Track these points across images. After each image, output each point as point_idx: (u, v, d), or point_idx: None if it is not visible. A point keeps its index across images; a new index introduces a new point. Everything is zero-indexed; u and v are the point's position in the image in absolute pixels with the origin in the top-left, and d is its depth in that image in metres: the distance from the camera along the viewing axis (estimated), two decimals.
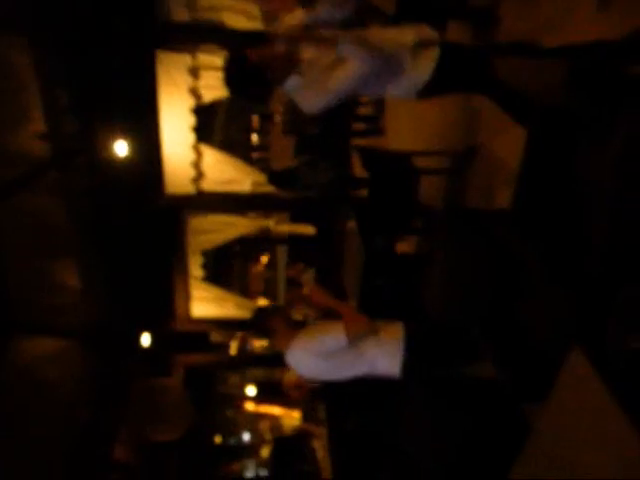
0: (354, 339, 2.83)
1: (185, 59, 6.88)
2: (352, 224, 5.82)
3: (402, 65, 2.73)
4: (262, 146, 16.49)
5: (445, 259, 2.87)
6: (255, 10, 6.78)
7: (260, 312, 3.28)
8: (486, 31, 3.80)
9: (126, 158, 7.06)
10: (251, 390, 11.32)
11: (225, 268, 11.14)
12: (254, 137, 17.23)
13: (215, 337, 9.68)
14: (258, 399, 11.75)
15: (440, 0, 4.10)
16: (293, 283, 9.91)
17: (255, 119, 16.84)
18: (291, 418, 11.27)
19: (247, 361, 10.26)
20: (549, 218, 2.33)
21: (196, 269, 8.76)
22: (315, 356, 2.88)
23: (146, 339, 8.57)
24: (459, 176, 4.32)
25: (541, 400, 2.12)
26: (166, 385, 8.73)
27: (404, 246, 4.90)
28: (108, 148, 6.96)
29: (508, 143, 3.18)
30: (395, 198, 4.61)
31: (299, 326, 3.18)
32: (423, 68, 2.71)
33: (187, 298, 8.87)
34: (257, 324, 3.33)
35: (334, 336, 2.87)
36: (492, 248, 2.65)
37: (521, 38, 3.21)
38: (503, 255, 2.55)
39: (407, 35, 2.80)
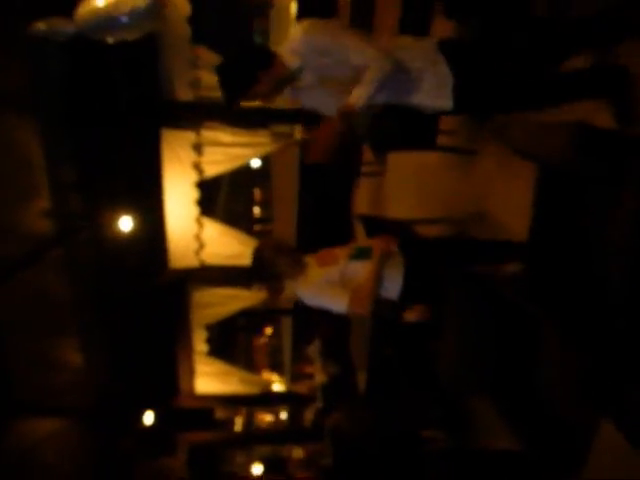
0: (352, 315, 2.97)
1: (189, 136, 7.02)
2: None
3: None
4: (264, 218, 16.68)
5: (456, 325, 2.79)
6: None
7: (259, 254, 3.06)
8: None
9: (130, 233, 7.09)
10: (257, 469, 10.92)
11: (229, 341, 11.00)
12: (256, 209, 17.46)
13: (220, 413, 9.43)
14: (265, 478, 11.33)
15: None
16: (300, 358, 9.77)
17: (257, 192, 17.12)
18: None
19: (253, 438, 9.95)
20: (562, 280, 2.29)
21: (200, 343, 8.65)
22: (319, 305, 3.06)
23: (149, 417, 8.35)
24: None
25: (571, 476, 2.01)
26: (169, 466, 8.43)
27: (411, 314, 4.81)
28: (112, 224, 7.01)
29: (515, 208, 3.17)
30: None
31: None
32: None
33: (191, 373, 8.72)
34: (259, 269, 3.09)
35: (336, 303, 2.96)
36: (504, 312, 2.58)
37: None
38: (516, 319, 2.49)
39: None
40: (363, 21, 6.20)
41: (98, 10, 4.71)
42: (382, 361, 4.77)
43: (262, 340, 15.63)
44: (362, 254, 3.05)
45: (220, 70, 2.62)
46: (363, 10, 6.55)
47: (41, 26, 4.66)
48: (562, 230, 2.33)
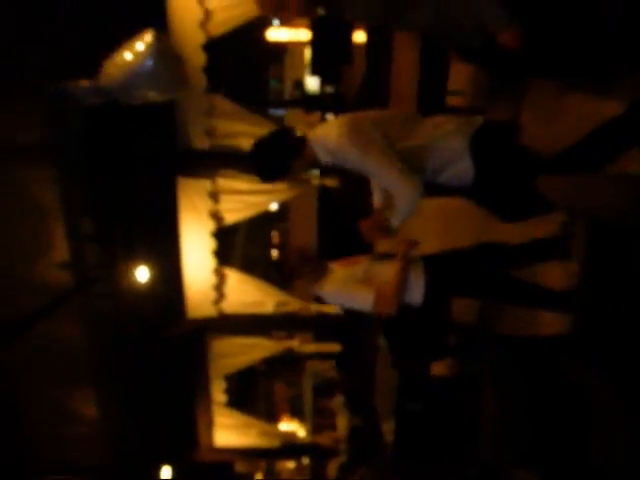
0: (377, 313, 2.97)
1: (205, 184, 6.97)
2: (383, 342, 5.55)
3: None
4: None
5: (498, 392, 2.58)
6: None
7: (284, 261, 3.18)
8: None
9: (147, 283, 7.00)
10: None
11: (249, 389, 10.73)
12: (274, 252, 17.34)
13: (240, 467, 9.13)
14: None
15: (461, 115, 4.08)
16: (323, 409, 9.48)
17: (275, 235, 17.03)
18: None
19: None
20: (613, 341, 2.09)
21: (219, 394, 8.44)
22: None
23: (167, 472, 8.09)
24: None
25: None
26: None
27: (439, 368, 4.59)
28: (129, 274, 6.92)
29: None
30: (425, 316, 4.37)
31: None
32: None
33: (210, 426, 8.48)
34: (281, 268, 3.20)
35: (361, 300, 2.97)
36: (551, 378, 2.36)
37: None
38: (564, 386, 2.27)
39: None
40: (379, 79, 6.10)
41: (124, 64, 4.74)
42: (410, 417, 4.53)
43: (283, 387, 15.30)
44: (386, 255, 3.07)
45: (254, 156, 2.72)
46: (379, 60, 6.49)
47: (65, 87, 4.71)
48: (614, 286, 2.14)
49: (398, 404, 4.56)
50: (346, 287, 3.03)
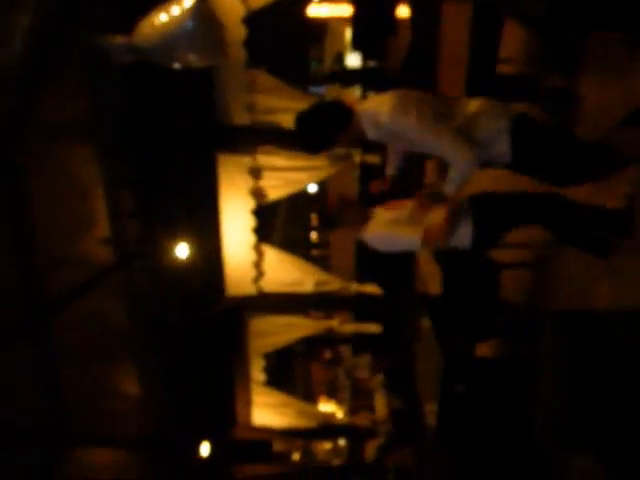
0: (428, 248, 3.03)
1: (245, 160, 6.88)
2: (426, 323, 5.40)
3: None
4: (322, 243, 16.45)
5: (554, 374, 2.41)
6: None
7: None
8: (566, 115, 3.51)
9: (187, 260, 6.97)
10: None
11: (287, 370, 10.71)
12: (313, 235, 17.28)
13: (277, 446, 9.13)
14: None
15: (513, 83, 3.89)
16: (360, 390, 9.38)
17: (314, 217, 16.96)
18: None
19: (311, 473, 9.60)
20: None
21: (257, 373, 8.43)
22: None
23: (205, 449, 8.12)
24: (544, 270, 3.91)
25: None
26: None
27: (484, 349, 4.43)
28: (170, 251, 6.91)
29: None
30: (474, 295, 4.22)
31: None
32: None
33: (248, 404, 8.48)
34: (323, 213, 3.27)
35: (407, 239, 2.97)
36: (617, 356, 2.19)
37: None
38: (631, 365, 2.09)
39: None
40: (426, 52, 5.88)
41: (162, 25, 4.61)
42: (455, 399, 4.39)
43: (320, 368, 15.30)
44: (435, 197, 2.97)
45: (299, 125, 2.73)
46: (425, 32, 6.25)
47: (102, 41, 4.60)
48: None
49: (442, 386, 4.42)
50: (391, 229, 3.00)
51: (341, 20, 12.06)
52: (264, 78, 6.76)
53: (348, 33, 12.84)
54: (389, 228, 2.99)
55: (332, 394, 14.32)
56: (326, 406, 12.78)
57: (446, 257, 4.23)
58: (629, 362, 2.10)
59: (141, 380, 7.47)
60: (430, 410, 5.92)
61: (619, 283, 2.83)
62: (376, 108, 2.67)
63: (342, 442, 9.86)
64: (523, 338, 3.96)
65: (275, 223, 10.23)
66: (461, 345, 4.45)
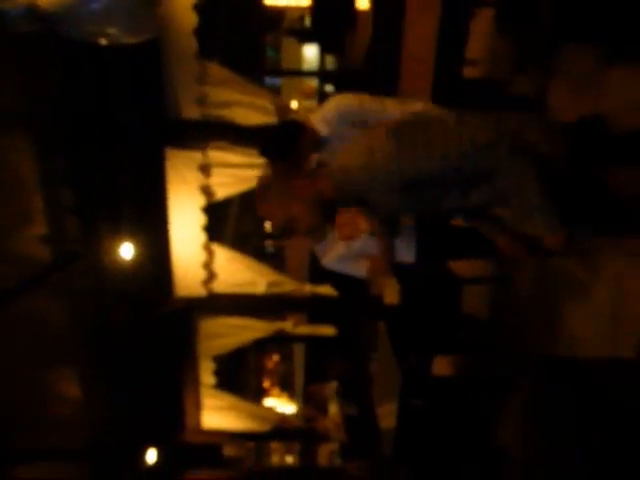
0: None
1: (195, 156, 6.54)
2: (382, 327, 5.24)
3: None
4: (277, 235, 16.20)
5: (537, 427, 2.20)
6: (266, 104, 6.53)
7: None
8: None
9: (133, 260, 6.64)
10: None
11: (239, 370, 10.46)
12: (267, 225, 17.04)
13: (228, 451, 8.90)
14: None
15: (479, 86, 3.69)
16: (311, 398, 9.23)
17: None
18: None
19: (263, 475, 9.40)
20: None
21: (207, 376, 8.12)
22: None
23: (152, 455, 7.81)
24: (508, 284, 3.75)
25: None
26: None
27: (444, 365, 4.25)
28: (113, 250, 6.55)
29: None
30: (432, 309, 4.03)
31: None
32: None
33: (198, 408, 8.18)
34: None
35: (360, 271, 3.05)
36: (606, 409, 1.97)
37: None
38: (624, 419, 1.89)
39: None
40: (388, 47, 5.62)
41: None
42: (413, 414, 4.21)
43: (273, 359, 15.14)
44: None
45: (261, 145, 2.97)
46: (388, 27, 5.99)
47: None
48: None
49: (399, 400, 4.23)
50: (343, 265, 3.15)
51: (299, 9, 11.76)
52: (217, 69, 6.42)
53: (307, 22, 12.57)
54: (342, 264, 3.11)
55: (285, 389, 14.18)
56: (278, 400, 12.62)
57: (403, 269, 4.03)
58: (618, 418, 1.90)
59: (82, 385, 7.15)
60: (383, 413, 5.76)
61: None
62: (323, 108, 2.94)
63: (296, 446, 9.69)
64: (485, 356, 3.79)
65: (228, 214, 9.92)
66: (418, 360, 4.26)
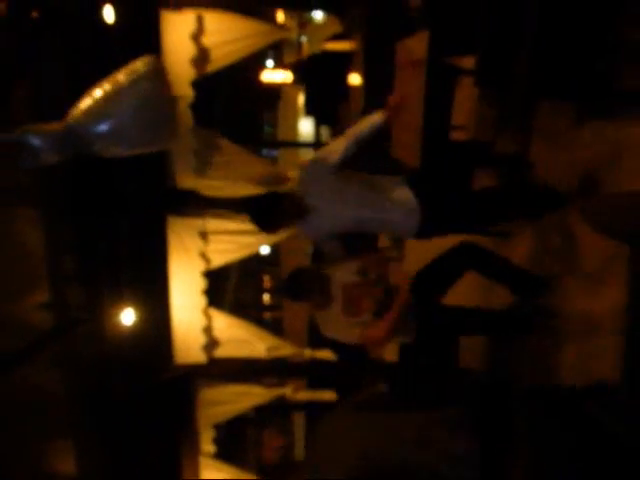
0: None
1: (195, 223, 6.73)
2: (382, 389, 5.24)
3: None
4: (274, 306, 16.22)
5: (531, 457, 2.25)
6: (263, 172, 6.76)
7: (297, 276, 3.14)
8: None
9: (133, 326, 6.68)
10: None
11: (238, 440, 10.26)
12: (266, 297, 17.05)
13: None
14: None
15: (465, 150, 3.90)
16: None
17: (266, 279, 16.77)
18: None
19: None
20: None
21: (207, 445, 8.03)
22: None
23: None
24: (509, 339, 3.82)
25: None
26: None
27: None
28: (115, 317, 6.61)
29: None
30: (432, 365, 4.09)
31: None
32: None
33: (197, 477, 8.01)
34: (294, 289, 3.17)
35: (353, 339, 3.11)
36: (600, 443, 2.01)
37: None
38: (617, 451, 1.93)
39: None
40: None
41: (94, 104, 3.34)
42: None
43: (273, 435, 14.79)
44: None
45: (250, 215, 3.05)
46: (378, 97, 6.31)
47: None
48: None
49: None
50: (345, 334, 3.13)
51: (294, 86, 12.28)
52: (216, 140, 6.69)
53: (301, 99, 13.10)
54: (343, 332, 3.10)
55: (284, 465, 13.78)
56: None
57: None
58: (612, 446, 1.94)
59: (79, 458, 6.99)
60: None
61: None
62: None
63: None
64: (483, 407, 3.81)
65: (226, 285, 10.01)
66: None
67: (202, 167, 6.58)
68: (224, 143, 6.62)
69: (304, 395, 8.26)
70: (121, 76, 3.41)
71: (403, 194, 2.95)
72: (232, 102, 9.27)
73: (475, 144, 4.09)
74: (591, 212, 2.16)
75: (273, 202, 2.96)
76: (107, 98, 3.40)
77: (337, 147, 2.93)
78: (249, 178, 6.69)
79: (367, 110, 6.72)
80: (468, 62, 3.78)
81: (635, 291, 2.08)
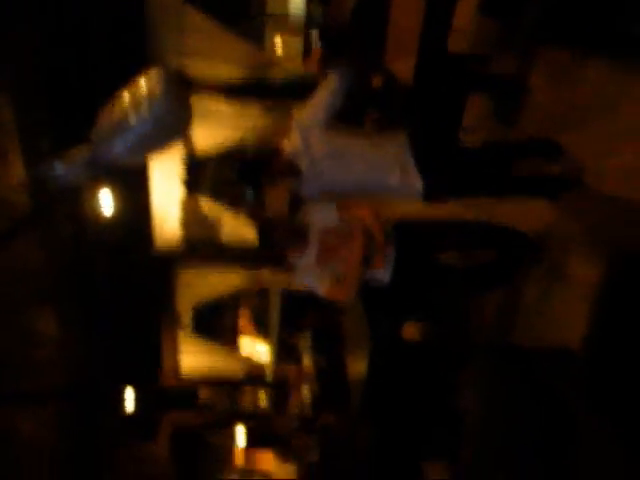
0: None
1: None
2: None
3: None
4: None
5: (484, 411, 2.37)
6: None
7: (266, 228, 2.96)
8: (513, 109, 3.39)
9: (113, 208, 6.61)
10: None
11: (215, 318, 10.58)
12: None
13: (204, 394, 9.14)
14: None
15: (460, 70, 3.72)
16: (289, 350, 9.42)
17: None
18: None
19: (238, 418, 9.68)
20: (623, 376, 1.88)
21: (185, 323, 8.29)
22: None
23: (130, 398, 8.01)
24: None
25: None
26: (152, 453, 8.14)
27: (410, 331, 4.42)
28: (93, 196, 6.53)
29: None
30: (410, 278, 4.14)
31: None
32: None
33: (175, 352, 8.38)
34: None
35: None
36: (551, 403, 2.14)
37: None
38: (564, 413, 2.06)
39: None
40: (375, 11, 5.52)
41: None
42: (382, 374, 4.41)
43: (248, 312, 15.21)
44: None
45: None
46: None
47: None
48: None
49: (369, 363, 4.42)
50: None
51: None
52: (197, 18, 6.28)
53: None
54: (313, 281, 2.92)
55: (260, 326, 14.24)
56: (252, 342, 12.68)
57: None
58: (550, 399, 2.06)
59: (63, 326, 7.22)
60: (354, 366, 5.94)
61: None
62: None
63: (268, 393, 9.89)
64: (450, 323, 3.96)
65: (206, 172, 9.85)
66: (389, 325, 4.42)
67: (185, 47, 6.24)
68: (209, 22, 6.23)
69: (283, 278, 8.39)
70: (135, 89, 3.35)
71: (401, 156, 2.84)
72: None
73: (473, 58, 3.88)
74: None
75: (262, 160, 2.90)
76: (126, 114, 3.31)
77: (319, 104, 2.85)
78: (234, 60, 6.40)
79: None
80: None
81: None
